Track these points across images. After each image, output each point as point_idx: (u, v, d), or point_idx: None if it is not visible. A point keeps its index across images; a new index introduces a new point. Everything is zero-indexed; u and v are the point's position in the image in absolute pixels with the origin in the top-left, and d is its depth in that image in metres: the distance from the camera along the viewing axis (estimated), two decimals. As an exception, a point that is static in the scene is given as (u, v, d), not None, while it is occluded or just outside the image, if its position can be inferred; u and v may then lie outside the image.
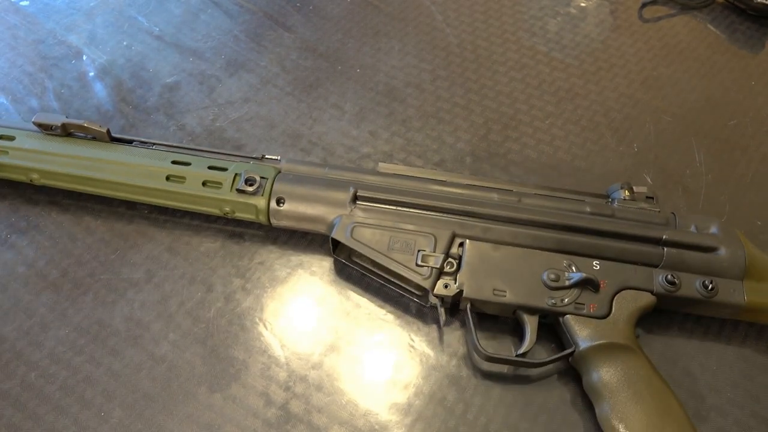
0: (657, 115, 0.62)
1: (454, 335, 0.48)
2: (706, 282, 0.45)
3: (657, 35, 0.69)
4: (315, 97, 0.61)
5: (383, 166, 0.51)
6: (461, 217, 0.48)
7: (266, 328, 0.48)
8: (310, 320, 0.48)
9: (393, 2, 0.70)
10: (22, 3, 0.67)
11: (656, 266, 0.46)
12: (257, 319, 0.48)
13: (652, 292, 0.45)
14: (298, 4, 0.69)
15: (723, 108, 0.63)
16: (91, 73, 0.62)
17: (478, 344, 0.45)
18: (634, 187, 0.50)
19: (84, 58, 0.63)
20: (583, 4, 0.71)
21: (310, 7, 0.69)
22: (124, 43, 0.65)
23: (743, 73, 0.66)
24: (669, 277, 0.45)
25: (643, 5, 0.71)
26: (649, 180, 0.57)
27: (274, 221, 0.49)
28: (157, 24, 0.66)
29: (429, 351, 0.47)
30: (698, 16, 0.70)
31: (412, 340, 0.48)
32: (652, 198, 0.50)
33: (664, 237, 0.47)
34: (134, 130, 0.58)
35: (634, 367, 0.42)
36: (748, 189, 0.57)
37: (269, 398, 0.45)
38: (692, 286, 0.45)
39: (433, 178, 0.51)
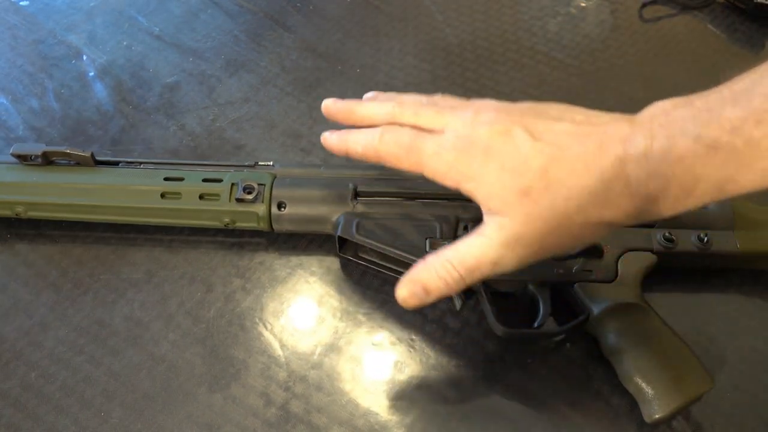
0: (657, 115, 0.62)
1: (454, 335, 0.48)
2: (701, 235, 0.47)
3: (657, 35, 0.69)
4: (315, 97, 0.61)
5: None
6: (462, 201, 0.48)
7: (266, 328, 0.48)
8: (310, 320, 0.48)
9: (393, 2, 0.70)
10: (22, 3, 0.68)
11: (653, 226, 0.48)
12: (257, 319, 0.48)
13: (652, 251, 0.47)
14: (298, 4, 0.69)
15: (723, 108, 0.63)
16: (91, 73, 0.62)
17: (495, 320, 0.44)
18: None
19: (84, 58, 0.63)
20: (583, 4, 0.71)
21: (310, 7, 0.69)
22: (124, 43, 0.65)
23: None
24: (666, 234, 0.47)
25: (643, 5, 0.71)
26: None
27: (276, 226, 0.49)
28: (157, 24, 0.66)
29: (429, 351, 0.47)
30: (698, 16, 0.70)
31: (412, 340, 0.48)
32: None
33: None
34: (134, 130, 0.58)
35: (647, 324, 0.44)
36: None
37: (269, 398, 0.45)
38: (688, 240, 0.47)
39: None
